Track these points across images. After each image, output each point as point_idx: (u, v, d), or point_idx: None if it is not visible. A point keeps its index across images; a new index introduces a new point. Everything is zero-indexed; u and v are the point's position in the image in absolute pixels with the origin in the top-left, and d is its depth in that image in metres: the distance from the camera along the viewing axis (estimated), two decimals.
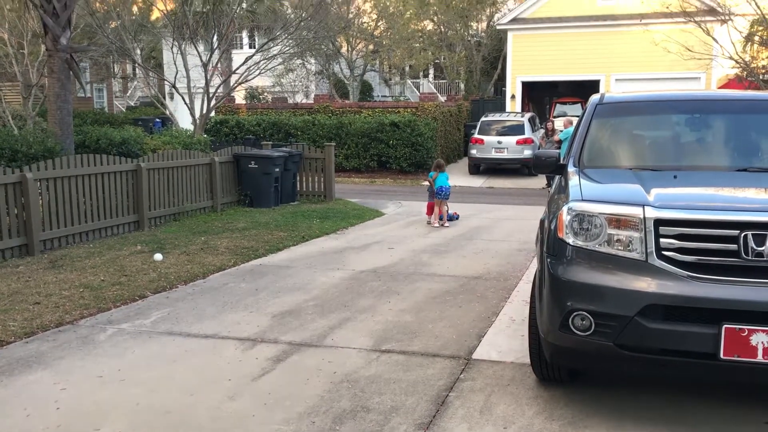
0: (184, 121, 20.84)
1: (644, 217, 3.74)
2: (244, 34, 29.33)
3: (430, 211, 12.25)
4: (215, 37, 17.31)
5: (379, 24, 29.62)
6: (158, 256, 8.71)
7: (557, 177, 5.23)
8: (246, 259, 8.85)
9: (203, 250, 9.25)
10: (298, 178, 14.81)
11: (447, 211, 12.12)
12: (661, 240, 3.70)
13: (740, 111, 5.22)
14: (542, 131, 22.60)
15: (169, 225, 11.30)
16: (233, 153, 13.57)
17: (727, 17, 18.95)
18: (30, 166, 9.07)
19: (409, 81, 36.96)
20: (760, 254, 3.56)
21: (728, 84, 24.50)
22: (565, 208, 3.99)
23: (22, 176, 8.75)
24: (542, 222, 4.82)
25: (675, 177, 4.41)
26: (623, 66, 24.74)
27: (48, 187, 9.19)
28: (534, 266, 6.27)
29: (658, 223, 3.72)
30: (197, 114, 17.20)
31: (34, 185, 8.84)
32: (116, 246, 9.53)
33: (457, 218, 12.53)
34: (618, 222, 3.81)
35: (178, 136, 14.51)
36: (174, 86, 17.14)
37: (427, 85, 37.54)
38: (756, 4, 16.75)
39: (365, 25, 29.51)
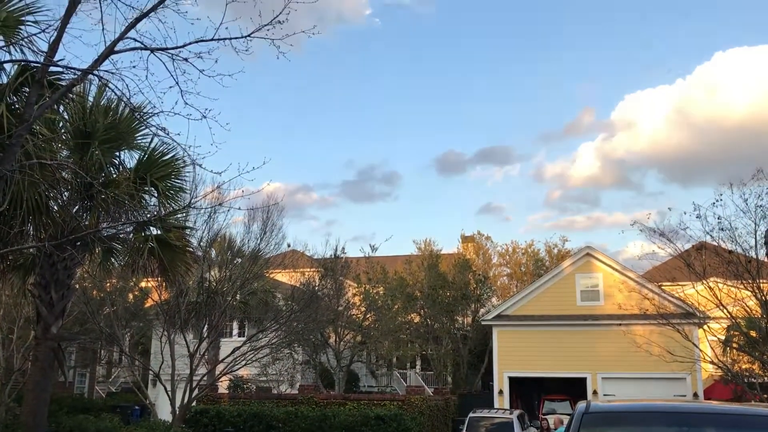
0: (163, 410, 20.21)
1: None
2: (235, 324, 29.87)
3: None
4: (206, 327, 17.58)
5: (367, 316, 30.48)
6: None
7: None
8: None
9: None
10: None
11: None
12: None
13: (730, 426, 5.15)
14: (534, 430, 21.97)
15: None
16: None
17: (702, 321, 19.54)
18: None
19: (396, 372, 36.79)
20: None
21: (713, 386, 24.36)
22: None
23: None
24: None
25: None
26: (608, 365, 24.84)
27: None
28: None
29: None
30: (178, 404, 16.77)
31: None
32: None
33: None
34: None
35: (155, 428, 13.98)
36: (158, 376, 16.95)
37: (414, 376, 37.26)
38: (727, 311, 17.33)
39: (354, 316, 30.32)
